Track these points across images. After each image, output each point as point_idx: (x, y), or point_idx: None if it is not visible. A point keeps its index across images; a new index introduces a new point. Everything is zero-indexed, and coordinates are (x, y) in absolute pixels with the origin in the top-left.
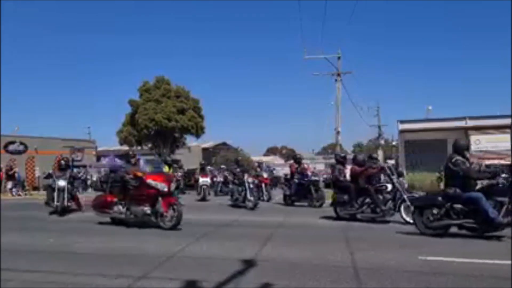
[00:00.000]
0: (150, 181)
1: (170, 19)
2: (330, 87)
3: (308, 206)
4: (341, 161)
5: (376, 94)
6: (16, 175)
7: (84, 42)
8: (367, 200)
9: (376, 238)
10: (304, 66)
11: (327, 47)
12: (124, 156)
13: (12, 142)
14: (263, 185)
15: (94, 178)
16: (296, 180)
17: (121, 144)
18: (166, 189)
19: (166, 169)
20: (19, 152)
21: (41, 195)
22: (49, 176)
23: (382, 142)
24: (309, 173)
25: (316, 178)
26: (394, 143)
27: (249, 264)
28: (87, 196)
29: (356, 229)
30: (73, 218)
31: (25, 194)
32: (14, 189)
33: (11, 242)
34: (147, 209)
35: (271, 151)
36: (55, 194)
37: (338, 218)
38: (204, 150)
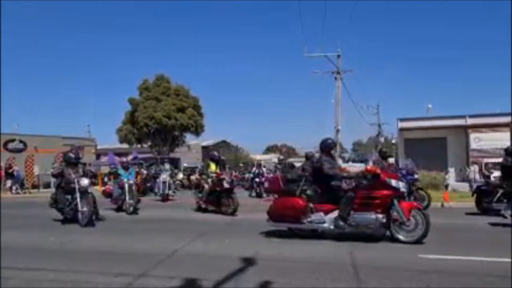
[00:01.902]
0: (388, 179)
1: (170, 17)
2: (330, 85)
3: None
4: None
5: (376, 92)
6: (15, 173)
7: (84, 40)
8: None
9: (376, 236)
10: (304, 64)
11: (327, 45)
12: (324, 147)
13: (12, 140)
14: None
15: None
16: None
17: (121, 142)
18: (404, 189)
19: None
20: (18, 150)
21: (42, 193)
22: (61, 173)
23: (382, 140)
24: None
25: (416, 176)
26: (393, 141)
27: (249, 262)
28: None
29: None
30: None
31: (24, 193)
32: (13, 188)
33: (11, 240)
34: (381, 217)
35: (270, 149)
36: (77, 197)
37: None
38: (204, 148)
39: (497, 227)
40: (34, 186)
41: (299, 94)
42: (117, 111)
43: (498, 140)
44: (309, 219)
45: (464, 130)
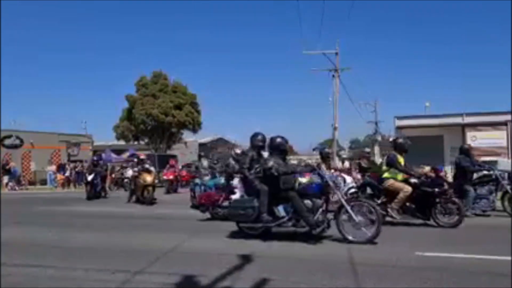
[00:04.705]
0: None
1: (168, 15)
2: (328, 83)
3: None
4: None
5: (373, 90)
6: (12, 169)
7: (81, 37)
8: None
9: None
10: (302, 62)
11: (325, 43)
12: None
13: (8, 137)
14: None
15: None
16: None
17: (118, 139)
18: None
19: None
20: (15, 147)
21: (38, 190)
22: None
23: (379, 138)
24: None
25: None
26: (391, 139)
27: (247, 259)
28: None
29: None
30: (66, 211)
31: (21, 189)
32: (10, 184)
33: (10, 237)
34: None
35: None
36: (345, 206)
37: None
38: (201, 145)
39: (496, 225)
40: (31, 183)
41: (298, 91)
42: (114, 108)
43: (495, 138)
44: None
45: (461, 128)
